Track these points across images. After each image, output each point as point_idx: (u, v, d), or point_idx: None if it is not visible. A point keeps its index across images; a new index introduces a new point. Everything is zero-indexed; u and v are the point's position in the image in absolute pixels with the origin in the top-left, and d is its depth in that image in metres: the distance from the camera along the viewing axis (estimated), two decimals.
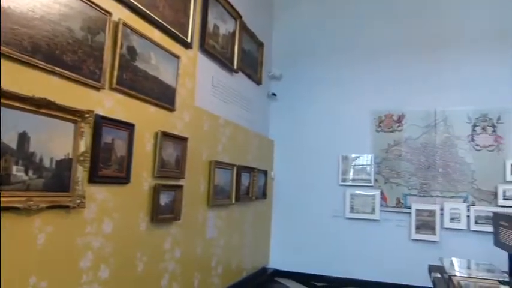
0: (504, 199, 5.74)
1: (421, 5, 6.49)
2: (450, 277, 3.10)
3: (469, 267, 3.73)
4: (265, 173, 6.30)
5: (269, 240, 6.73)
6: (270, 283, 6.20)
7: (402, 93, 6.38)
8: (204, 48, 4.37)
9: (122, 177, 3.02)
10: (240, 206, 5.40)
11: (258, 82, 6.30)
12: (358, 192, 6.41)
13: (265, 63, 6.59)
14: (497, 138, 5.94)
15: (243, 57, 5.59)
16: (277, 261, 6.68)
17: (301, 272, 6.50)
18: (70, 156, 2.50)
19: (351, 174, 6.50)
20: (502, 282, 2.96)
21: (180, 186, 3.76)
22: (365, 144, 6.50)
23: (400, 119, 6.37)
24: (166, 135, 3.53)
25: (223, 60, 4.88)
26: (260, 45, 6.31)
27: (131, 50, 3.11)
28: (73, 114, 2.50)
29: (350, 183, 6.48)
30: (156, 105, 3.46)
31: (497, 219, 3.12)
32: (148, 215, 3.37)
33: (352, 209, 6.40)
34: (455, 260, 3.83)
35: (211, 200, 4.42)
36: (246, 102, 5.81)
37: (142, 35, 3.23)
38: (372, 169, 6.39)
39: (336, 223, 6.47)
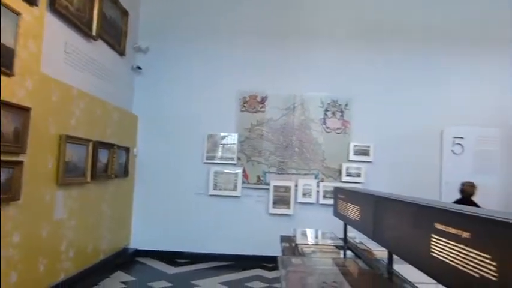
0: (347, 176, 6.50)
1: None
2: (296, 245, 3.39)
3: (315, 237, 4.14)
4: (127, 149, 6.01)
5: (131, 220, 6.50)
6: (130, 263, 6.01)
7: (266, 76, 6.68)
8: (55, 8, 3.89)
9: None
10: (97, 184, 5.06)
11: (121, 53, 5.92)
12: (222, 170, 6.56)
13: (131, 33, 6.22)
14: (344, 123, 6.65)
15: (104, 24, 5.17)
16: (140, 240, 6.50)
17: (165, 250, 6.45)
18: None
19: (215, 153, 6.61)
20: (338, 247, 3.36)
21: (20, 163, 3.32)
22: (230, 124, 6.66)
23: (263, 101, 6.67)
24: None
25: (79, 24, 4.42)
26: (125, 13, 5.91)
27: None
28: None
29: (214, 161, 6.59)
30: None
31: (336, 193, 3.48)
32: None
33: (215, 186, 6.54)
34: (303, 230, 4.22)
35: (60, 178, 4.03)
36: (106, 73, 5.40)
37: None
38: (236, 148, 6.59)
39: (199, 200, 6.55)
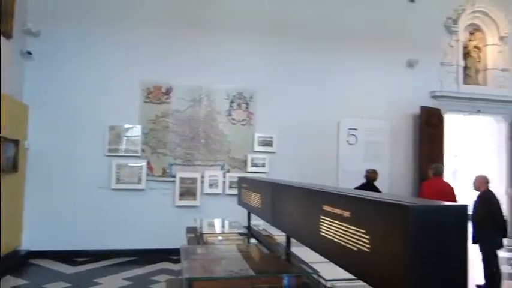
0: (252, 166, 6.72)
1: None
2: (201, 235, 3.45)
3: (221, 226, 4.23)
4: (16, 142, 5.50)
5: (21, 219, 5.98)
6: (22, 266, 5.54)
7: (171, 67, 6.58)
8: None
9: None
10: None
11: (8, 35, 5.38)
12: (125, 162, 6.34)
13: (19, 14, 5.67)
14: (249, 114, 6.84)
15: None
16: (33, 241, 6.01)
17: (63, 249, 6.06)
18: None
19: (118, 145, 6.36)
20: (242, 235, 3.48)
21: None
22: (133, 115, 6.45)
23: (168, 92, 6.57)
24: None
25: None
26: None
27: None
28: None
29: (117, 153, 6.34)
30: None
31: (240, 182, 3.59)
32: None
33: (118, 180, 6.30)
34: (210, 221, 4.28)
35: None
36: None
37: None
38: (140, 140, 6.41)
39: (101, 195, 6.26)
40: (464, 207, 0.98)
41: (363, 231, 1.16)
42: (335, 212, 1.35)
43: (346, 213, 1.27)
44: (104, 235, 6.20)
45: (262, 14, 6.98)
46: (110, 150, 6.32)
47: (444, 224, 0.96)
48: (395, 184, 7.34)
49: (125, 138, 6.37)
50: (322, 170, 6.89)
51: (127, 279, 5.16)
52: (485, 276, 5.12)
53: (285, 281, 1.90)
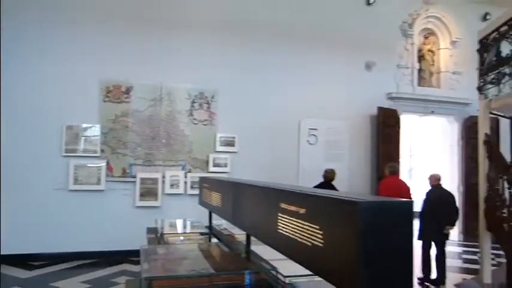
0: (214, 166, 6.71)
1: None
2: (162, 235, 3.42)
3: (182, 226, 4.20)
4: None
5: None
6: None
7: (132, 65, 6.45)
8: None
9: None
10: None
11: None
12: (83, 163, 6.16)
13: None
14: (211, 114, 6.83)
15: None
16: None
17: (17, 253, 5.79)
18: None
19: (76, 145, 6.17)
20: (202, 234, 3.49)
21: None
22: (92, 114, 6.28)
23: (128, 91, 6.44)
24: None
25: None
26: None
27: None
28: None
29: (75, 154, 6.15)
30: None
31: (202, 182, 3.60)
32: None
33: (76, 181, 6.12)
34: (171, 221, 4.25)
35: None
36: None
37: None
38: (99, 140, 6.25)
39: (58, 196, 6.05)
40: (409, 203, 1.04)
41: (316, 227, 1.21)
42: (291, 209, 1.39)
43: (302, 210, 1.32)
44: (62, 237, 6.00)
45: (224, 15, 6.98)
46: (67, 151, 6.12)
47: (391, 218, 1.02)
48: (355, 183, 7.55)
49: (83, 138, 6.19)
50: (284, 169, 6.98)
51: (85, 282, 5.03)
52: (438, 268, 5.43)
53: (247, 279, 1.93)
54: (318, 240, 1.20)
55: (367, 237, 0.99)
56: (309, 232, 1.25)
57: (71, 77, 6.18)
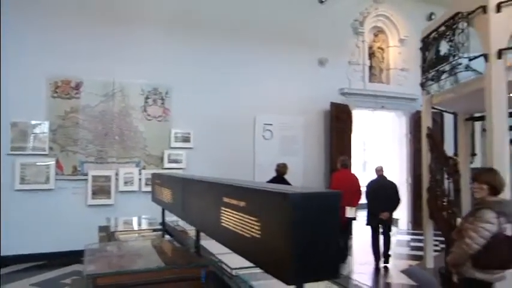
0: (169, 162, 6.66)
1: None
2: (113, 233, 3.38)
3: (136, 223, 4.17)
4: None
5: None
6: None
7: (81, 60, 6.24)
8: None
9: None
10: None
11: None
12: (31, 161, 5.92)
13: None
14: (165, 110, 6.75)
15: None
16: None
17: None
18: None
19: (22, 143, 5.91)
20: (155, 230, 3.48)
21: None
22: (39, 110, 6.03)
23: (78, 86, 6.24)
24: None
25: None
26: None
27: None
28: None
29: (22, 152, 5.90)
30: None
31: (154, 179, 3.58)
32: None
33: (23, 180, 5.87)
34: (125, 219, 4.20)
35: None
36: None
37: None
38: (48, 137, 6.03)
39: (3, 197, 5.78)
40: (336, 194, 1.12)
41: (255, 219, 1.27)
42: (233, 202, 1.45)
43: (242, 203, 1.37)
44: (8, 239, 5.73)
45: (177, 10, 6.90)
46: (12, 149, 5.86)
47: (319, 207, 1.10)
48: (309, 176, 7.74)
49: (32, 135, 5.94)
50: (239, 164, 7.03)
51: (35, 284, 4.88)
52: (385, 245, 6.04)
53: (203, 273, 1.96)
54: (255, 231, 1.25)
55: (297, 225, 1.06)
56: (248, 224, 1.31)
57: (15, 71, 5.90)
